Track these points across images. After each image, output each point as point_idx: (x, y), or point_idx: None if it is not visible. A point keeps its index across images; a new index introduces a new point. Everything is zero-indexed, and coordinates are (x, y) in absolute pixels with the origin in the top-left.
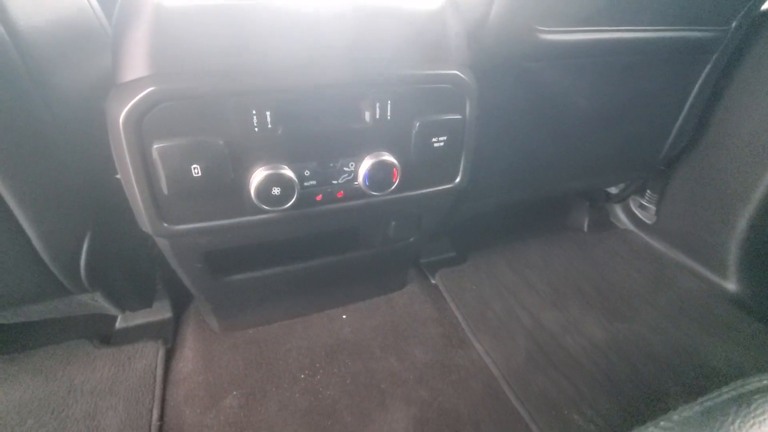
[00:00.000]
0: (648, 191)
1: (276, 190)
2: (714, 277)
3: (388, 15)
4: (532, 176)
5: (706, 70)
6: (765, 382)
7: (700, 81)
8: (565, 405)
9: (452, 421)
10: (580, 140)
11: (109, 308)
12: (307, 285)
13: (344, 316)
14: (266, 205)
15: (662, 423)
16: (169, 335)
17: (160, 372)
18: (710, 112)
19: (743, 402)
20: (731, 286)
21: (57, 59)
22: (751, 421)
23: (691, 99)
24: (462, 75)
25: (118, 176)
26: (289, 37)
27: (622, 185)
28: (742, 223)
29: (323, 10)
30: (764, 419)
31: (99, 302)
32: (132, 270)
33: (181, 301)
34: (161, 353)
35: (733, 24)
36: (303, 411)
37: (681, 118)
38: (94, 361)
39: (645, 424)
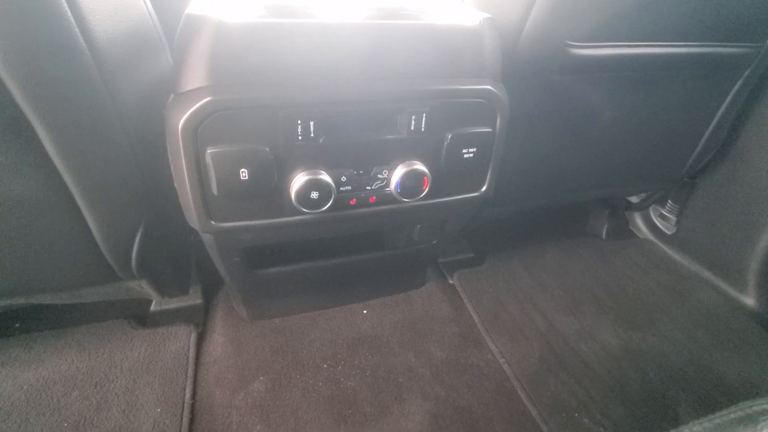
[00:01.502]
0: (670, 201)
1: (314, 194)
2: (732, 291)
3: (429, 32)
4: (554, 183)
5: (737, 85)
6: None
7: (730, 96)
8: (575, 408)
9: (466, 418)
10: (603, 150)
11: (151, 293)
12: (332, 280)
13: (365, 311)
14: (305, 208)
15: None
16: (200, 320)
17: (192, 354)
18: (739, 128)
19: (750, 422)
20: (750, 301)
21: (124, 66)
22: None
23: (720, 113)
24: (495, 90)
25: (169, 173)
26: (334, 54)
27: (643, 195)
28: (764, 239)
29: (366, 29)
30: None
31: (143, 288)
32: (173, 259)
33: (211, 289)
34: (193, 336)
35: (767, 42)
36: (325, 399)
37: (708, 131)
38: (132, 340)
39: None
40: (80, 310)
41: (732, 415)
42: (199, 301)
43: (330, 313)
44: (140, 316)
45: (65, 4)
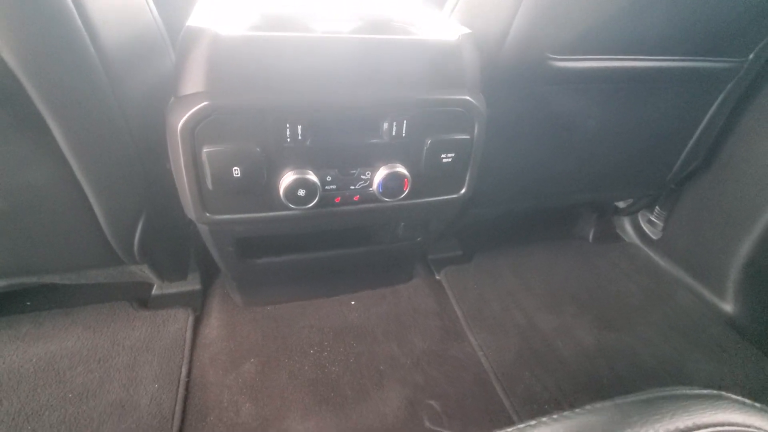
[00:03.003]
0: (657, 208)
1: (301, 192)
2: (712, 297)
3: (412, 46)
4: (540, 187)
5: (721, 98)
6: (683, 392)
7: (714, 107)
8: (547, 401)
9: (441, 405)
10: (589, 156)
11: (152, 278)
12: (322, 271)
13: (353, 302)
14: (292, 204)
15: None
16: (197, 304)
17: (189, 335)
18: (724, 138)
19: (676, 402)
20: (728, 307)
21: (129, 68)
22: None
23: (704, 124)
24: (473, 100)
25: (168, 167)
26: (322, 65)
27: (630, 200)
28: (744, 248)
29: (353, 43)
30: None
31: (144, 272)
32: (173, 247)
33: (209, 276)
34: (191, 319)
35: (751, 56)
36: (310, 381)
37: (693, 141)
38: (134, 321)
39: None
40: (86, 292)
41: (660, 394)
42: (197, 287)
43: (319, 303)
44: (142, 299)
45: (75, 13)
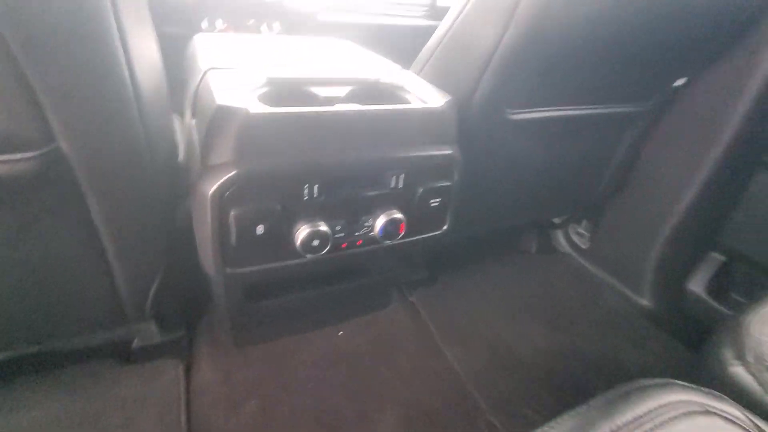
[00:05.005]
0: (585, 221)
1: (316, 242)
2: (633, 296)
3: (405, 113)
4: (494, 212)
5: (632, 132)
6: (642, 383)
7: (628, 139)
8: (518, 401)
9: (431, 417)
10: (533, 184)
11: (154, 333)
12: (311, 307)
13: (340, 333)
14: (308, 253)
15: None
16: (184, 350)
17: (182, 384)
18: (633, 165)
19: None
20: (646, 303)
21: (161, 130)
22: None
23: (620, 152)
24: (453, 153)
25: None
26: (334, 132)
27: (564, 216)
28: (655, 252)
29: (359, 113)
30: (637, 408)
31: (150, 328)
32: (178, 299)
33: (191, 319)
34: (181, 367)
35: (650, 102)
36: (313, 415)
37: (612, 166)
38: (120, 378)
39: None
40: (60, 354)
41: (626, 388)
42: (181, 332)
43: (310, 336)
44: (124, 354)
45: (134, 100)
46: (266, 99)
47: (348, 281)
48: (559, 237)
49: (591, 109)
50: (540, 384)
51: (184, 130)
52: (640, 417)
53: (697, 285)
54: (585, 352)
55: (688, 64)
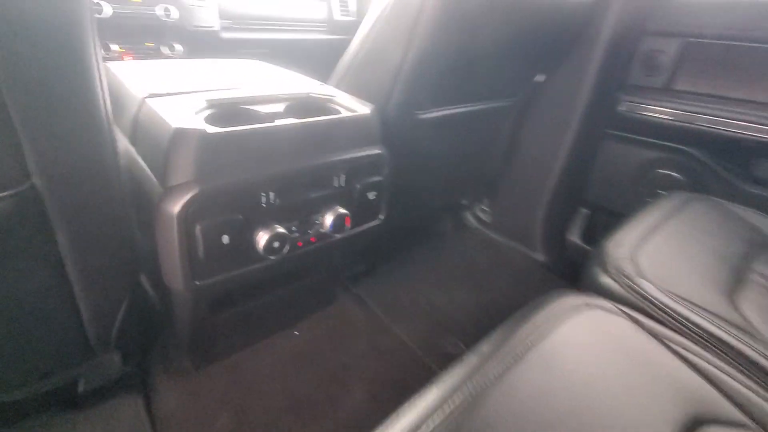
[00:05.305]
0: (485, 199)
1: (276, 243)
2: (530, 252)
3: (341, 121)
4: (415, 201)
5: (511, 121)
6: (543, 297)
7: (508, 127)
8: (459, 354)
9: (394, 387)
10: (444, 172)
11: (115, 366)
12: (267, 313)
13: (296, 333)
14: (270, 255)
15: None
16: (138, 385)
17: (145, 418)
18: (515, 145)
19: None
20: (540, 256)
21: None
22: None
23: (504, 138)
24: (382, 152)
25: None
26: (282, 144)
27: (470, 197)
28: (540, 215)
29: (302, 125)
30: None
31: (112, 361)
32: (139, 326)
33: (144, 348)
34: (140, 401)
35: (520, 96)
36: (287, 409)
37: (500, 150)
38: (77, 426)
39: None
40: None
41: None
42: (138, 361)
43: (268, 342)
44: (70, 402)
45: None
46: (212, 120)
47: (300, 281)
48: (468, 216)
49: (478, 105)
50: (473, 335)
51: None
52: (543, 315)
53: (573, 235)
54: (501, 304)
55: (544, 64)
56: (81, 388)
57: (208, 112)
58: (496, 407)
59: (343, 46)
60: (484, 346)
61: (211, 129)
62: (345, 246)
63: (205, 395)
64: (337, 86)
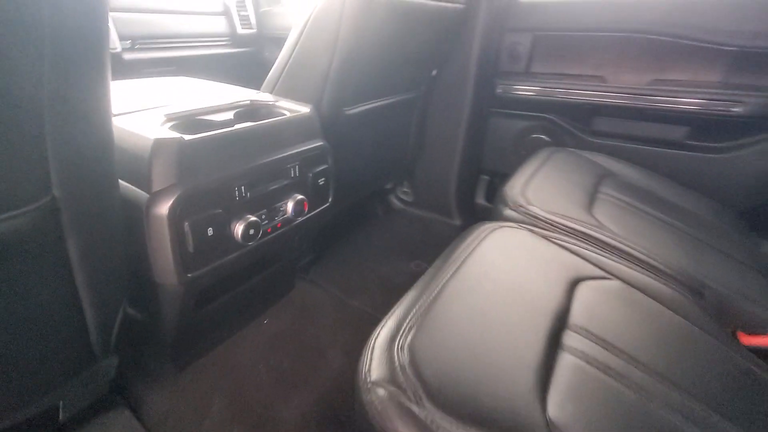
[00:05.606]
0: (405, 182)
1: (251, 231)
2: (449, 220)
3: (290, 121)
4: (351, 188)
5: (418, 110)
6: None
7: (417, 116)
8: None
9: (357, 349)
10: (371, 160)
11: (108, 374)
12: (236, 310)
13: (265, 321)
14: (247, 242)
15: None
16: (119, 398)
17: (138, 424)
18: (424, 130)
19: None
20: (457, 221)
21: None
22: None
23: (414, 126)
24: (324, 144)
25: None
26: (246, 144)
27: (393, 181)
28: (452, 187)
29: (261, 127)
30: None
31: (110, 368)
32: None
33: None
34: (127, 412)
35: (422, 88)
36: (273, 383)
37: (412, 137)
38: None
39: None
40: None
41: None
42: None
43: (241, 335)
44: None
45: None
46: (176, 131)
47: (267, 269)
48: (393, 198)
49: (391, 98)
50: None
51: None
52: (473, 236)
53: (480, 198)
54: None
55: (435, 61)
56: (62, 414)
57: (170, 124)
58: (450, 297)
59: (247, 57)
60: (438, 261)
61: (187, 137)
62: (304, 229)
63: (194, 390)
64: (272, 92)
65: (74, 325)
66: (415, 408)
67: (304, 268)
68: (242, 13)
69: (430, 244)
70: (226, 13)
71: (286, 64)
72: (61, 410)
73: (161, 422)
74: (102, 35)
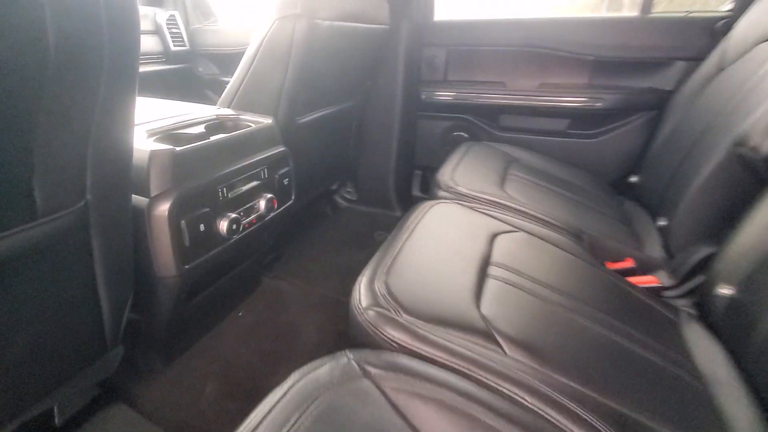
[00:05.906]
0: (348, 182)
1: (234, 226)
2: (391, 213)
3: (257, 131)
4: (305, 188)
5: (356, 116)
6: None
7: (355, 121)
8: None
9: (336, 327)
10: (320, 164)
11: (112, 365)
12: (216, 300)
13: (240, 314)
14: (231, 236)
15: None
16: (112, 397)
17: (136, 414)
18: (362, 134)
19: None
20: (398, 213)
21: None
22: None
23: (354, 130)
24: (285, 149)
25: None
26: (221, 152)
27: (337, 182)
28: (390, 182)
29: (234, 137)
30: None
31: (115, 359)
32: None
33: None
34: (123, 406)
35: (359, 97)
36: (260, 361)
37: (353, 140)
38: None
39: None
40: None
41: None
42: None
43: (220, 329)
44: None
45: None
46: (162, 143)
47: (243, 263)
48: (338, 198)
49: (335, 107)
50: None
51: None
52: (417, 211)
53: (415, 190)
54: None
55: (369, 73)
56: (57, 419)
57: (153, 138)
58: (408, 250)
59: (182, 73)
60: (395, 230)
61: (178, 148)
62: (273, 225)
63: (186, 378)
64: (230, 107)
65: (93, 316)
66: (396, 317)
67: (267, 266)
68: (174, 30)
69: (378, 238)
70: (158, 31)
71: (242, 83)
72: (56, 414)
73: (158, 409)
74: (137, 53)
